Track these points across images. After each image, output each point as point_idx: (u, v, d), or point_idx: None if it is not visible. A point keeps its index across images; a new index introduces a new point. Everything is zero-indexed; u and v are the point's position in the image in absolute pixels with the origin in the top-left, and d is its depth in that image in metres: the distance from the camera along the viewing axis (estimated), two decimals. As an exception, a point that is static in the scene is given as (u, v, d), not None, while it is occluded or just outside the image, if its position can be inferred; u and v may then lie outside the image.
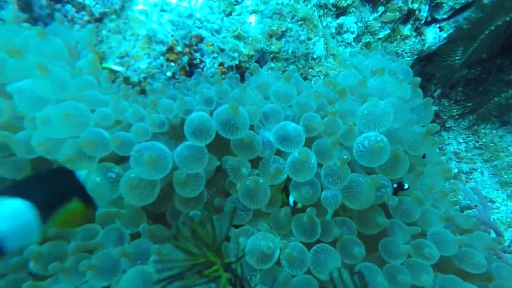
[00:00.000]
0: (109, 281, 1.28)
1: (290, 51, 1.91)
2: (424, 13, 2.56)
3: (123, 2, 1.74)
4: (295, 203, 1.43)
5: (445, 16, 2.64)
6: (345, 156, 1.35)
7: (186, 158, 1.30)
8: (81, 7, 1.71)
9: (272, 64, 1.92)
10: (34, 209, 1.14)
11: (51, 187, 1.29)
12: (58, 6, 1.72)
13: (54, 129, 1.26)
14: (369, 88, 1.61)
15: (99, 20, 1.72)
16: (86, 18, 1.72)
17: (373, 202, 1.39)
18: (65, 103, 1.27)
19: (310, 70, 1.97)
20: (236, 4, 2.01)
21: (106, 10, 1.71)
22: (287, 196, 1.47)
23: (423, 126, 1.66)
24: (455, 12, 2.65)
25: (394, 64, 1.95)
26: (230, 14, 1.96)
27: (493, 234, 1.89)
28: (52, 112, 1.24)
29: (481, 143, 2.74)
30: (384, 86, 1.60)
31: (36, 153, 1.32)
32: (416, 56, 2.62)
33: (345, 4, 2.43)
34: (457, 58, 2.57)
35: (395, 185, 1.48)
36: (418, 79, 1.67)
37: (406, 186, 1.47)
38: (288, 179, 1.44)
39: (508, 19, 2.39)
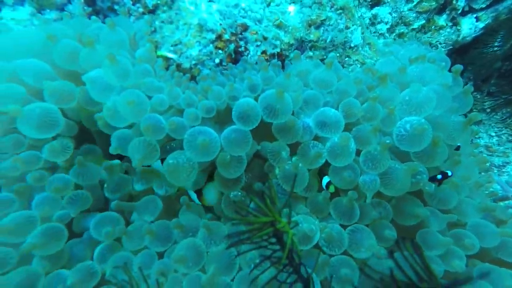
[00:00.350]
0: (165, 247, 1.40)
1: (328, 40, 1.93)
2: (461, 2, 2.48)
3: (174, -6, 1.82)
4: (327, 186, 1.43)
5: (483, 6, 2.54)
6: (387, 141, 1.33)
7: (232, 141, 1.35)
8: (137, 0, 1.81)
9: (311, 53, 1.95)
10: None
11: None
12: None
13: (120, 116, 1.36)
14: (409, 75, 1.59)
15: (152, 11, 1.81)
16: (141, 10, 1.81)
17: (409, 189, 1.37)
18: (128, 91, 1.36)
19: (347, 58, 1.98)
20: (275, -5, 2.05)
21: (158, 2, 1.79)
22: (320, 181, 1.48)
23: (462, 115, 1.64)
24: (495, 2, 2.55)
25: (431, 52, 1.91)
26: (269, 4, 2.00)
27: None
28: (117, 102, 1.34)
29: None
30: (424, 73, 1.57)
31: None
32: (450, 47, 2.56)
33: (381, -6, 2.41)
34: (495, 49, 2.48)
35: (439, 176, 1.44)
36: (460, 67, 1.61)
37: (449, 173, 1.43)
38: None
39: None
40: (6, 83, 1.37)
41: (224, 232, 1.36)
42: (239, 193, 1.47)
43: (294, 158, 1.44)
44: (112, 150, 1.37)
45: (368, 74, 1.66)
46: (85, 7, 1.82)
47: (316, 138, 1.49)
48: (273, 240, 0.89)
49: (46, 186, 1.40)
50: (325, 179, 1.47)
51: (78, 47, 1.46)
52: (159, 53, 1.65)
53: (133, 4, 1.82)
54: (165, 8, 1.79)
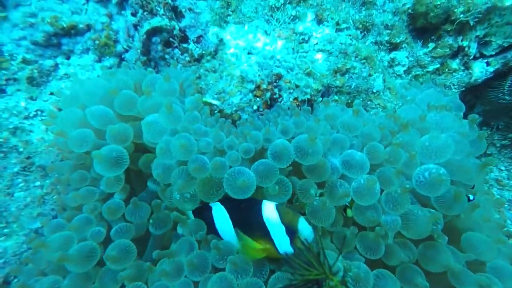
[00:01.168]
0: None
1: (353, 86, 2.00)
2: (473, 50, 2.52)
3: (217, 45, 1.94)
4: (345, 211, 1.46)
5: (493, 53, 2.57)
6: (407, 186, 1.36)
7: (260, 172, 1.40)
8: (185, 50, 1.94)
9: (336, 97, 2.03)
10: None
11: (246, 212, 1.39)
12: (169, 50, 1.97)
13: (170, 156, 1.44)
14: (429, 122, 1.61)
15: (198, 60, 1.93)
16: (188, 58, 1.94)
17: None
18: (181, 135, 1.44)
19: (369, 102, 2.04)
20: (303, 43, 2.14)
21: (203, 52, 1.92)
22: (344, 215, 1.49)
23: (476, 158, 1.66)
24: (503, 50, 2.59)
25: (446, 98, 1.93)
26: (297, 52, 2.11)
27: None
28: (172, 143, 1.43)
29: None
30: (443, 121, 1.61)
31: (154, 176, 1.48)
32: (463, 89, 2.59)
33: (398, 41, 2.46)
34: (505, 91, 2.52)
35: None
36: (476, 116, 1.66)
37: (471, 197, 1.43)
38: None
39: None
40: (80, 129, 1.51)
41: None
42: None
43: (322, 197, 1.46)
44: (156, 175, 1.44)
45: (391, 119, 1.68)
46: (141, 56, 1.97)
47: (342, 177, 1.51)
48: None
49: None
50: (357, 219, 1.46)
51: (135, 96, 1.58)
52: (204, 99, 1.75)
53: (181, 54, 1.95)
54: (209, 58, 1.91)
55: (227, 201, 1.43)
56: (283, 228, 1.30)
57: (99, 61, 2.10)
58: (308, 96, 1.88)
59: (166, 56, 1.95)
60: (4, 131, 1.81)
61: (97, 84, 1.63)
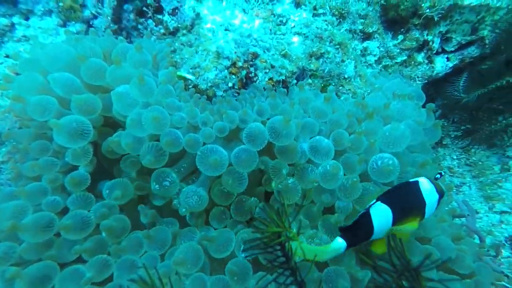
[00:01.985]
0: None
1: (326, 70, 1.95)
2: (436, 44, 2.56)
3: (193, 19, 1.78)
4: None
5: (453, 49, 2.63)
6: (355, 179, 1.41)
7: (242, 160, 1.38)
8: (159, 22, 1.76)
9: (310, 80, 1.97)
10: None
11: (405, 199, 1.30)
12: (142, 20, 1.78)
13: (142, 128, 1.34)
14: (392, 110, 1.66)
15: (173, 33, 1.76)
16: (162, 31, 1.76)
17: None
18: (154, 107, 1.34)
19: (341, 87, 2.01)
20: (280, 25, 2.04)
21: (179, 25, 1.75)
22: None
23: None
24: (461, 46, 2.66)
25: (410, 88, 1.99)
26: (275, 33, 2.00)
27: (477, 239, 1.97)
28: (143, 115, 1.32)
29: (471, 161, 2.77)
30: (404, 110, 1.66)
31: (124, 150, 1.39)
32: (426, 81, 2.64)
33: (371, 31, 2.43)
34: (460, 92, 2.61)
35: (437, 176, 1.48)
36: (432, 105, 1.73)
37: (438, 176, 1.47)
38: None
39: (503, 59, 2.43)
40: (41, 95, 1.33)
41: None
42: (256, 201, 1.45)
43: (291, 180, 1.47)
44: (125, 144, 1.35)
45: (359, 107, 1.70)
46: (111, 24, 1.76)
47: (308, 161, 1.52)
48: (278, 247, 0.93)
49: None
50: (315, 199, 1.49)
51: (104, 65, 1.43)
52: (178, 73, 1.62)
53: (156, 26, 1.77)
54: (184, 31, 1.75)
55: (386, 197, 1.28)
56: (437, 196, 1.29)
57: (64, 26, 1.87)
58: (283, 77, 1.81)
59: (139, 27, 1.76)
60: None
61: (61, 49, 1.44)
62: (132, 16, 1.76)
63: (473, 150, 2.81)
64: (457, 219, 2.11)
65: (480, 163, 2.74)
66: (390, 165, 1.40)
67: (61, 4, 1.77)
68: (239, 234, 1.37)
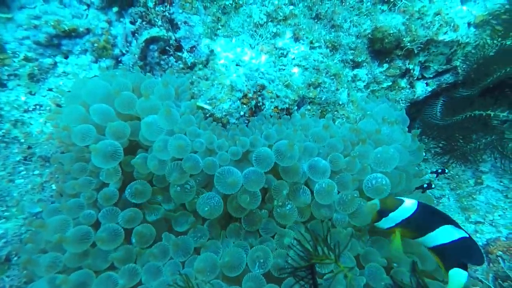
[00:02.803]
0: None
1: (323, 98, 2.10)
2: (416, 72, 2.74)
3: (208, 56, 1.94)
4: None
5: (431, 76, 2.82)
6: (355, 195, 1.51)
7: (252, 180, 1.48)
8: (179, 58, 1.91)
9: (309, 107, 2.12)
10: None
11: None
12: (164, 57, 1.93)
13: (167, 153, 1.46)
14: (382, 135, 1.79)
15: (190, 68, 1.91)
16: (181, 66, 1.92)
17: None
18: (178, 135, 1.46)
19: (335, 112, 2.16)
20: (282, 57, 2.21)
21: (196, 61, 1.91)
22: None
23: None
24: (438, 74, 2.85)
25: (396, 112, 2.15)
26: (278, 65, 2.17)
27: None
28: (170, 142, 1.46)
29: (449, 174, 2.90)
30: (392, 134, 1.80)
31: (150, 169, 1.49)
32: (408, 103, 2.82)
33: (360, 60, 2.59)
34: (437, 115, 2.79)
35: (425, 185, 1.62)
36: (417, 131, 1.87)
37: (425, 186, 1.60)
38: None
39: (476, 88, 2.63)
40: (83, 124, 1.47)
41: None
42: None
43: (289, 206, 1.55)
44: (151, 166, 1.46)
45: (353, 133, 1.82)
46: (138, 61, 1.92)
47: (308, 179, 1.62)
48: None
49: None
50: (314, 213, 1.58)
51: (134, 97, 1.56)
52: (198, 104, 1.77)
53: (176, 61, 1.93)
54: (201, 66, 1.90)
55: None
56: None
57: (96, 62, 2.01)
58: (287, 105, 1.96)
59: (162, 62, 1.92)
60: (6, 123, 1.71)
61: (98, 84, 1.58)
62: (156, 54, 1.91)
63: (451, 165, 2.97)
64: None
65: (457, 176, 2.89)
66: (384, 185, 1.51)
67: (96, 45, 1.93)
68: (253, 250, 1.45)
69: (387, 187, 1.52)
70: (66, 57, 1.97)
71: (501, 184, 2.77)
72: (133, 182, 1.52)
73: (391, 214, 1.41)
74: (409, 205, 1.42)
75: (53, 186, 1.66)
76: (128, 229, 1.49)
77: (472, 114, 2.54)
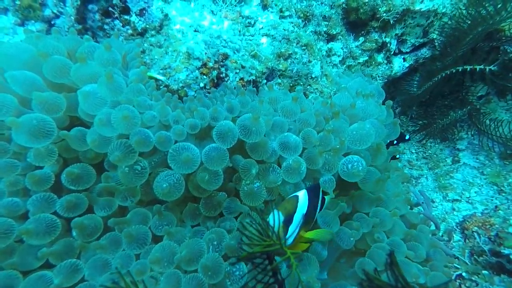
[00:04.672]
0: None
1: (294, 70, 2.04)
2: (393, 46, 2.77)
3: (161, 20, 1.78)
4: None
5: (408, 50, 2.87)
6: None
7: (212, 158, 1.38)
8: (127, 22, 1.74)
9: (279, 80, 2.05)
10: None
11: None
12: (108, 20, 1.74)
13: (111, 127, 1.32)
14: (357, 109, 1.74)
15: (141, 34, 1.75)
16: (130, 31, 1.74)
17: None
18: (124, 106, 1.32)
19: (308, 87, 2.10)
20: (249, 26, 2.11)
21: (147, 26, 1.75)
22: None
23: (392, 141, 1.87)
24: (415, 48, 2.90)
25: (371, 86, 2.13)
26: (244, 34, 2.06)
27: (432, 226, 2.13)
28: (113, 114, 1.31)
29: (427, 154, 3.00)
30: (367, 108, 1.75)
31: (89, 146, 1.35)
32: (386, 80, 2.84)
33: (334, 32, 2.57)
34: (415, 84, 2.83)
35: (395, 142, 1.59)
36: (390, 102, 1.84)
37: (407, 137, 1.60)
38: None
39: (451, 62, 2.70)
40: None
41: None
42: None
43: (257, 184, 1.48)
44: (90, 141, 1.31)
45: (326, 107, 1.77)
46: (75, 24, 1.70)
47: (280, 157, 1.55)
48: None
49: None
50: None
51: (68, 62, 1.38)
52: (149, 74, 1.61)
53: (123, 26, 1.74)
54: (153, 32, 1.75)
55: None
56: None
57: (22, 25, 1.77)
58: (254, 77, 1.87)
59: (106, 27, 1.73)
60: None
61: (19, 47, 1.38)
62: (97, 16, 1.72)
63: (428, 144, 3.05)
64: (415, 208, 2.30)
65: (435, 155, 2.99)
66: (360, 171, 1.48)
67: (18, 2, 1.69)
68: (208, 233, 1.38)
69: (363, 172, 1.48)
70: (-19, 18, 1.71)
71: (477, 161, 2.89)
72: (71, 166, 1.35)
73: (294, 217, 1.31)
74: (302, 197, 1.37)
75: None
76: (69, 219, 1.33)
77: (445, 75, 2.58)
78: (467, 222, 2.27)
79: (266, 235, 0.86)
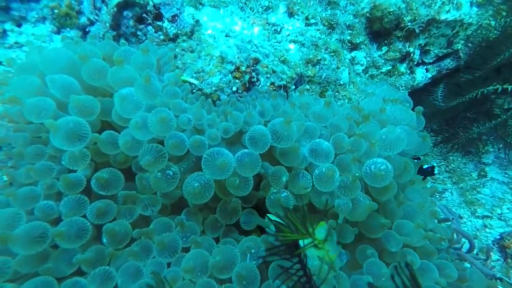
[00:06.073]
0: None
1: (323, 77, 2.01)
2: (416, 56, 2.75)
3: (193, 26, 1.80)
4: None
5: (431, 61, 2.84)
6: (357, 174, 1.39)
7: (245, 164, 1.33)
8: (159, 28, 1.76)
9: (307, 86, 2.03)
10: None
11: None
12: (141, 26, 1.77)
13: (146, 131, 1.29)
14: (387, 115, 1.68)
15: (173, 40, 1.77)
16: (162, 37, 1.76)
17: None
18: (161, 109, 1.29)
19: (337, 93, 2.08)
20: (275, 33, 2.12)
21: (179, 32, 1.77)
22: None
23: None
24: (439, 59, 2.88)
25: (399, 93, 2.11)
26: (270, 40, 2.07)
27: (466, 243, 1.97)
28: (150, 117, 1.29)
29: (450, 168, 2.90)
30: (397, 113, 1.69)
31: (119, 150, 1.33)
32: (408, 90, 2.81)
33: (358, 41, 2.57)
34: (438, 95, 2.80)
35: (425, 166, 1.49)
36: (421, 109, 1.73)
37: (436, 170, 1.52)
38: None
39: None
40: (39, 97, 1.26)
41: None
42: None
43: (284, 193, 1.43)
44: (122, 143, 1.28)
45: (356, 111, 1.72)
46: (110, 31, 1.73)
47: (310, 164, 1.50)
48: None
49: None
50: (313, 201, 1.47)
51: (106, 65, 1.38)
52: (182, 78, 1.61)
53: (155, 32, 1.77)
54: (184, 37, 1.76)
55: None
56: None
57: (58, 33, 1.81)
58: (284, 82, 1.85)
59: (138, 33, 1.75)
60: None
61: (59, 52, 1.38)
62: (131, 22, 1.74)
63: (451, 158, 2.97)
64: (442, 223, 2.17)
65: (459, 169, 2.90)
66: (383, 170, 1.38)
67: (56, 11, 1.73)
68: (243, 241, 1.33)
69: (388, 174, 1.39)
70: (19, 25, 1.75)
71: (506, 176, 2.79)
72: (100, 171, 1.33)
73: None
74: None
75: (4, 177, 1.42)
76: (99, 226, 1.30)
77: (476, 95, 2.53)
78: (506, 240, 2.15)
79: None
